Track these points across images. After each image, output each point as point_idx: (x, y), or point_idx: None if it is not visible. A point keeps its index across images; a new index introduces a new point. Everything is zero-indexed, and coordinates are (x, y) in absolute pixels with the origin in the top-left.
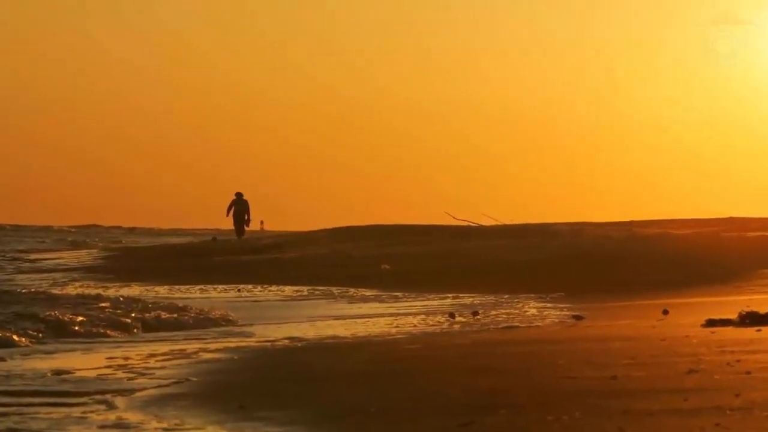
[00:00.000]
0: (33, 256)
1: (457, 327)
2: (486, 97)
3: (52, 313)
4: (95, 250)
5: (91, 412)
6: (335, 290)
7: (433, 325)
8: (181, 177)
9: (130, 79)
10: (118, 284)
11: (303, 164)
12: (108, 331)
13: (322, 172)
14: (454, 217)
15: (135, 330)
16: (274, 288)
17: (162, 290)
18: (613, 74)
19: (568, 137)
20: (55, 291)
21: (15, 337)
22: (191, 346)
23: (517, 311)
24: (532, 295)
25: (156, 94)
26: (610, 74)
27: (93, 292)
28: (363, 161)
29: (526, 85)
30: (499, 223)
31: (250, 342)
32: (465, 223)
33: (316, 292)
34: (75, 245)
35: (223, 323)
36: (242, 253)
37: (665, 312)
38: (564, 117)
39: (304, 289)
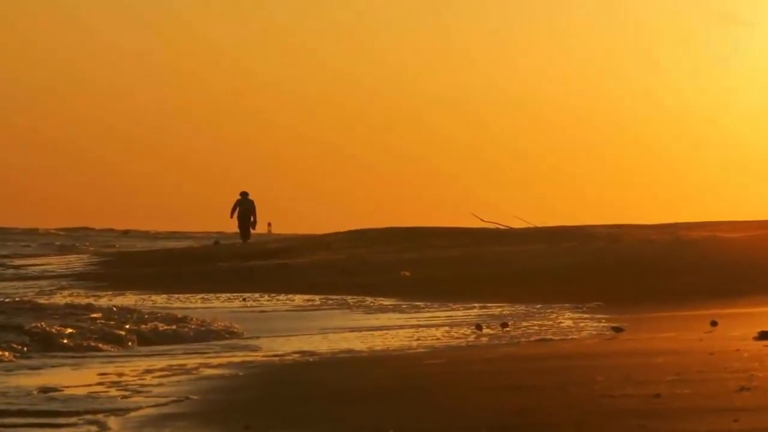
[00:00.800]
0: (17, 262)
1: (484, 340)
2: (517, 89)
3: (39, 325)
4: (86, 256)
5: None
6: (350, 299)
7: (458, 338)
8: (181, 175)
9: (123, 68)
10: (110, 293)
11: (314, 161)
12: (100, 345)
13: (336, 170)
14: (481, 219)
15: (130, 343)
16: (282, 297)
17: (159, 299)
18: (657, 65)
19: (606, 132)
20: (42, 300)
21: None
22: (191, 361)
23: (550, 322)
24: (567, 304)
25: (152, 84)
26: (652, 65)
27: (83, 301)
28: (380, 157)
29: (562, 77)
30: (530, 226)
31: (257, 356)
32: (493, 226)
33: (329, 302)
34: (63, 250)
35: (227, 336)
36: (248, 258)
37: (714, 323)
38: (602, 111)
39: (316, 298)
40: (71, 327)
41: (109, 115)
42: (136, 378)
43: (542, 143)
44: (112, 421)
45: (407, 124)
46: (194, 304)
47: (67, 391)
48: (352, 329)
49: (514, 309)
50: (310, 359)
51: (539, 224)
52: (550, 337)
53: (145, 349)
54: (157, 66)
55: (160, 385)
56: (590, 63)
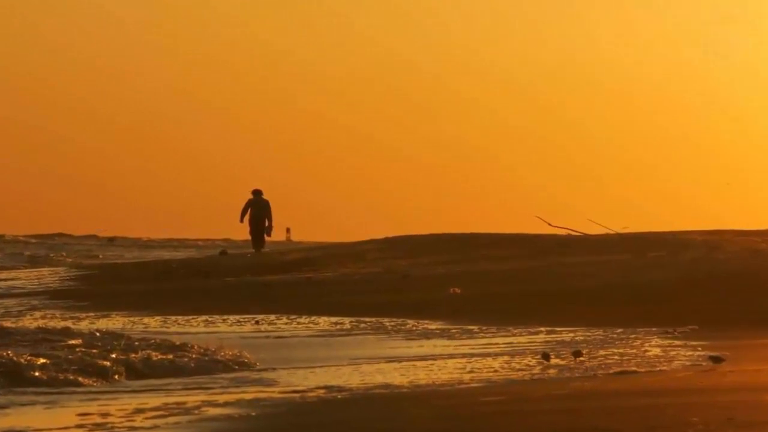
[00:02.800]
0: None
1: (552, 372)
2: (591, 62)
3: (5, 354)
4: (62, 268)
5: None
6: (387, 322)
7: (520, 370)
8: (179, 170)
9: (106, 41)
10: (93, 314)
11: (342, 152)
12: (80, 378)
13: (369, 163)
14: (548, 224)
15: (116, 376)
16: (304, 319)
17: (153, 322)
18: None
19: (701, 119)
20: (8, 324)
21: None
22: (192, 399)
23: (633, 351)
24: (655, 328)
25: (142, 60)
26: (758, 44)
27: (59, 324)
28: (423, 148)
29: (647, 56)
30: (609, 232)
31: (273, 393)
32: (563, 232)
33: (362, 325)
34: (35, 261)
35: (236, 367)
36: (262, 271)
37: None
38: (696, 96)
39: (346, 321)
40: (44, 356)
41: (90, 98)
42: (124, 419)
43: (623, 131)
44: None
45: (456, 107)
46: (196, 329)
47: None
48: (390, 359)
49: (589, 334)
50: (339, 396)
51: (620, 230)
52: (633, 368)
53: (135, 384)
54: (148, 39)
55: (154, 427)
56: (682, 41)
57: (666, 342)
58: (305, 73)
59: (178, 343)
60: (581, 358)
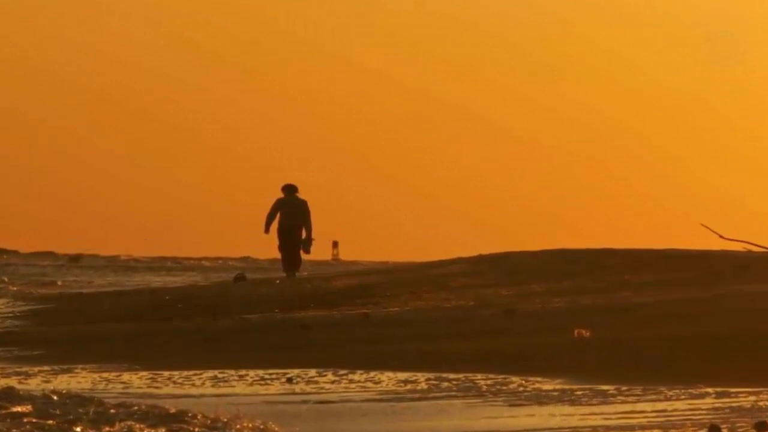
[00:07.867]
0: None
1: None
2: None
3: None
4: (3, 300)
5: None
6: (481, 380)
7: None
8: (173, 160)
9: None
10: (48, 368)
11: (413, 131)
12: None
13: (452, 147)
14: (719, 236)
15: None
16: (359, 376)
17: (136, 380)
18: None
19: None
20: None
21: None
22: None
23: None
24: None
25: (130, 22)
26: None
27: (1, 383)
28: (531, 123)
29: None
30: None
31: None
32: (741, 247)
33: (444, 384)
34: None
35: None
36: (296, 305)
37: None
38: None
39: (420, 378)
40: None
41: (43, 63)
42: None
43: None
44: None
45: (585, 68)
46: (199, 389)
47: None
48: None
49: None
50: None
51: None
52: None
53: None
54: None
55: None
56: None
57: None
58: (358, 16)
59: (173, 410)
60: None
